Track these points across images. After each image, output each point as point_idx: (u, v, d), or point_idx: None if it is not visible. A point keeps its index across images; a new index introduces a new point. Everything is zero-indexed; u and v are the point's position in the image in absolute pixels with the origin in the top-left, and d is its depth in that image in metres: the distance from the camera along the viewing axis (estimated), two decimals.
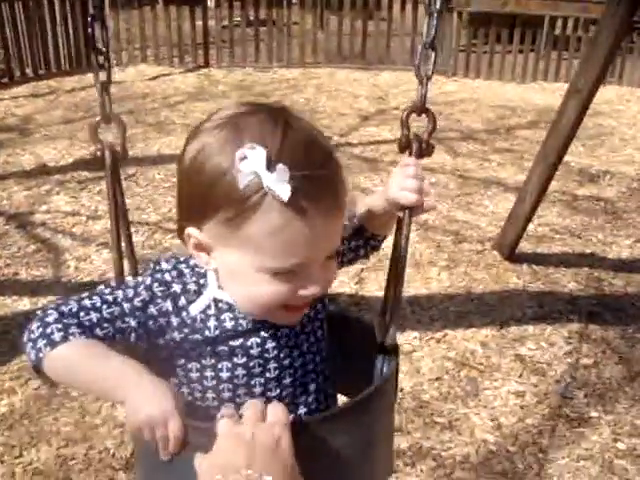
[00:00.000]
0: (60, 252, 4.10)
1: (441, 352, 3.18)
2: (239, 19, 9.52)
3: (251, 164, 0.91)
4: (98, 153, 1.32)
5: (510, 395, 2.89)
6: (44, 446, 2.64)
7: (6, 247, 4.16)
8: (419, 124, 1.25)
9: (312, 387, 1.15)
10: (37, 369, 1.03)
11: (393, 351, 1.18)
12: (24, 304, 3.59)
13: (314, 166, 0.94)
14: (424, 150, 1.24)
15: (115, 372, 0.97)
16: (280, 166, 0.90)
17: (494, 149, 5.94)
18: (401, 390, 2.92)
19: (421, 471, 2.52)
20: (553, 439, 2.67)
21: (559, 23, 8.85)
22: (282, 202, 0.90)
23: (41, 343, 1.01)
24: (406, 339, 3.27)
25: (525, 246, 4.10)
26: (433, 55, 1.30)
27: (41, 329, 1.02)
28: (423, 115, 1.27)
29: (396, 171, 1.21)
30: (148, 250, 4.10)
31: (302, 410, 1.14)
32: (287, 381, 1.10)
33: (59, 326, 1.01)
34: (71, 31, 8.99)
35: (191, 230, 1.01)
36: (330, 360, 1.20)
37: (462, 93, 8.04)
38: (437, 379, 3.00)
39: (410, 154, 1.24)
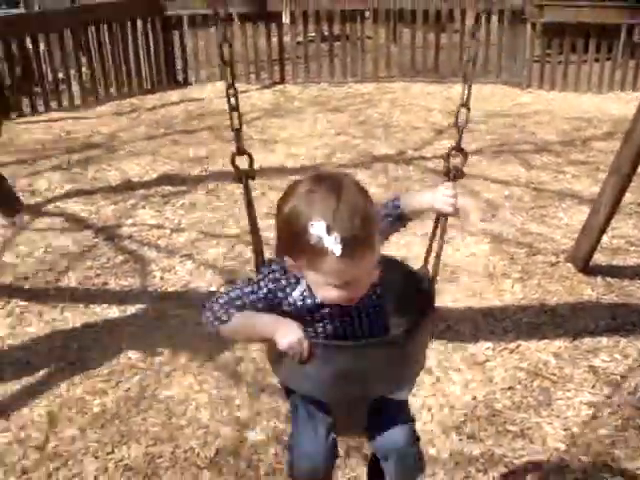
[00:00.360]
0: (146, 263, 4.32)
1: (514, 362, 3.23)
2: (313, 34, 9.71)
3: (317, 231, 1.50)
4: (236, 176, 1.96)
5: (583, 405, 2.93)
6: (134, 444, 2.83)
7: (96, 258, 4.41)
8: None
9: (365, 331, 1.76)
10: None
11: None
12: (113, 312, 3.82)
13: (356, 229, 1.50)
14: (458, 176, 1.87)
15: (268, 320, 1.67)
16: (335, 233, 1.48)
17: (569, 161, 5.92)
18: (474, 398, 3.00)
19: (493, 478, 2.59)
20: (626, 450, 2.70)
21: (637, 31, 8.72)
22: (336, 255, 1.49)
23: (215, 322, 1.70)
24: (479, 349, 3.34)
25: (599, 258, 4.10)
26: (466, 112, 1.93)
27: (212, 314, 1.71)
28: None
29: (440, 189, 1.81)
30: (230, 262, 4.28)
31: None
32: (348, 330, 1.74)
33: (223, 310, 1.70)
34: (152, 51, 9.36)
35: (287, 258, 1.61)
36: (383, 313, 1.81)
37: (536, 105, 8.00)
38: (510, 388, 3.06)
39: (449, 179, 1.86)
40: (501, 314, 3.64)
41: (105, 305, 3.87)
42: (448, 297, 3.80)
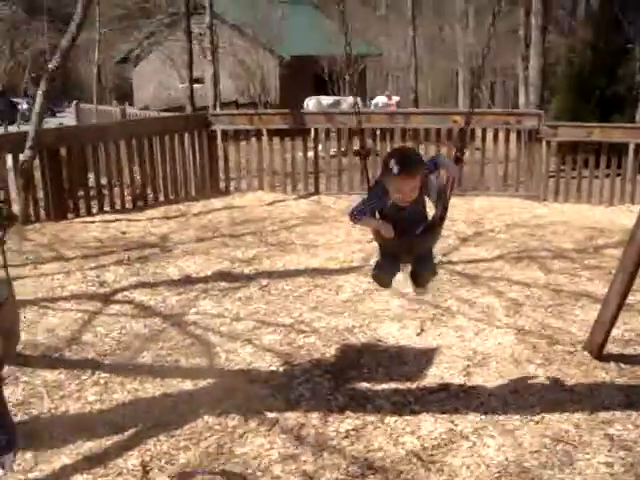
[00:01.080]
0: (211, 346, 4.91)
1: (539, 431, 3.74)
2: (343, 149, 10.58)
3: (390, 164, 3.21)
4: None
5: (600, 465, 3.42)
6: None
7: (166, 340, 5.01)
8: None
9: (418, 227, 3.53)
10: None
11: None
12: (187, 385, 4.38)
13: (406, 162, 3.23)
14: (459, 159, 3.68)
15: (375, 221, 3.49)
16: (396, 165, 3.18)
17: (583, 266, 6.53)
18: (506, 459, 3.51)
19: None
20: None
21: None
22: (395, 174, 3.19)
23: (352, 221, 3.50)
24: (509, 420, 3.86)
25: (613, 348, 4.65)
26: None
27: (351, 216, 3.46)
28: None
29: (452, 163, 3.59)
30: (285, 346, 4.86)
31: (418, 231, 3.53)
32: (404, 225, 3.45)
33: (356, 214, 3.45)
34: (198, 162, 10.24)
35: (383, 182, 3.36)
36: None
37: (552, 216, 8.68)
38: (536, 451, 3.56)
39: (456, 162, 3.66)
40: (526, 392, 4.17)
41: (179, 379, 4.44)
42: (480, 378, 4.34)
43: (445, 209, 3.52)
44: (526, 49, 23.68)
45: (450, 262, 6.72)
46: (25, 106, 40.28)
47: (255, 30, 30.16)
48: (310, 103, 17.66)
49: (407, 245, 3.58)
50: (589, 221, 8.41)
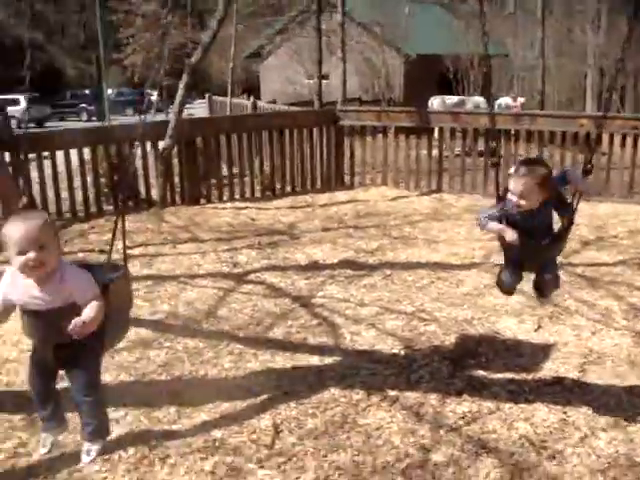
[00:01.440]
0: (337, 327, 5.25)
1: None
2: (467, 149, 10.72)
3: (516, 166, 3.55)
4: None
5: None
6: (342, 453, 3.64)
7: (295, 319, 5.39)
8: None
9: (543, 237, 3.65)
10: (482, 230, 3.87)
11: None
12: (314, 360, 4.73)
13: (528, 163, 3.56)
14: (588, 173, 3.70)
15: (501, 226, 3.62)
16: (517, 164, 3.58)
17: None
18: (616, 452, 3.65)
19: None
20: None
21: None
22: (515, 173, 3.47)
23: (480, 226, 3.75)
24: (621, 416, 3.98)
25: None
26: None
27: (479, 222, 3.73)
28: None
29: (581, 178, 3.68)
30: (407, 332, 5.13)
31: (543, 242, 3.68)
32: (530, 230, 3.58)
33: (483, 221, 3.69)
34: (325, 156, 10.64)
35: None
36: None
37: None
38: None
39: (585, 176, 3.71)
40: None
41: (307, 354, 4.80)
42: (594, 375, 4.47)
43: (571, 222, 3.65)
44: None
45: (570, 264, 6.78)
46: (155, 97, 42.36)
47: (382, 28, 30.47)
48: (435, 102, 17.80)
49: (531, 253, 3.70)
50: None
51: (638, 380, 4.43)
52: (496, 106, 19.46)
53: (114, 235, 3.20)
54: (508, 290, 4.06)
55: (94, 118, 40.05)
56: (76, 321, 2.67)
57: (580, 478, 3.45)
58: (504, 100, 19.92)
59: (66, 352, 2.84)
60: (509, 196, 3.49)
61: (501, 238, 3.71)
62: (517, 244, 3.52)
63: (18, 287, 2.75)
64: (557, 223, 3.74)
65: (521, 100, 19.33)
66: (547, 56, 30.37)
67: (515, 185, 3.43)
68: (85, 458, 3.13)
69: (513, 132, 10.43)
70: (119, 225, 3.27)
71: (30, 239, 2.61)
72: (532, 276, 3.97)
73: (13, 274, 2.77)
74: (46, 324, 2.76)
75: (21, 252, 2.63)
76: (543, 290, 3.98)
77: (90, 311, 2.71)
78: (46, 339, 2.84)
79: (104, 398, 3.15)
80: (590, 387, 4.34)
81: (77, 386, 2.96)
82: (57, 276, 2.72)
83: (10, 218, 2.71)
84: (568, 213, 3.64)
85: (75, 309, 2.72)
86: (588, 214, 8.88)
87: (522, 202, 3.44)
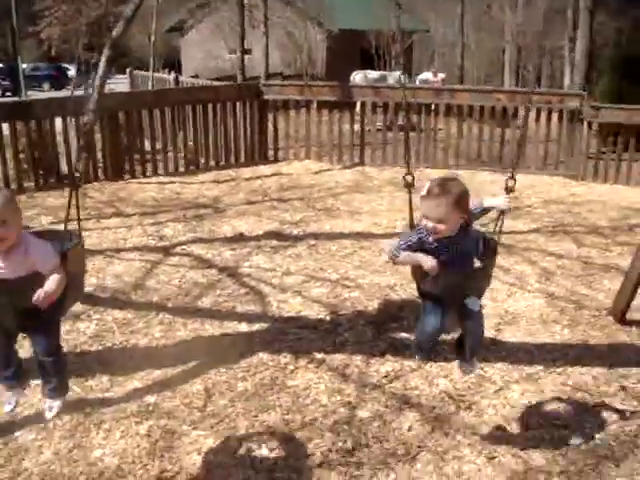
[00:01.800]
0: (264, 296, 5.38)
1: (561, 380, 4.14)
2: (388, 124, 10.95)
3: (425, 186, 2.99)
4: None
5: (613, 413, 3.82)
6: (272, 412, 3.79)
7: (223, 289, 5.50)
8: None
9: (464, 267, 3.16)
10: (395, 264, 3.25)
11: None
12: (243, 327, 4.86)
13: (438, 183, 2.95)
14: (510, 190, 3.26)
15: (418, 256, 3.04)
16: (427, 184, 2.96)
17: (615, 242, 6.84)
18: (528, 402, 3.91)
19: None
20: None
21: None
22: (422, 194, 2.96)
23: (392, 257, 3.13)
24: (533, 371, 4.26)
25: (636, 315, 5.00)
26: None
27: (389, 253, 3.15)
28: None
29: (501, 197, 3.23)
30: (332, 299, 5.31)
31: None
32: (449, 260, 3.05)
33: (395, 251, 3.10)
34: (249, 130, 10.70)
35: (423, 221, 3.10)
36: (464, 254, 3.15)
37: (590, 195, 8.96)
38: (557, 398, 3.97)
39: (507, 193, 3.25)
40: (552, 348, 4.56)
41: (236, 322, 4.92)
42: (509, 334, 4.74)
43: (495, 250, 3.28)
44: (574, 30, 23.64)
45: (487, 232, 7.07)
46: (73, 72, 41.28)
47: (304, 3, 30.47)
48: (357, 77, 17.92)
49: (453, 284, 3.14)
50: (626, 201, 8.66)
51: (549, 337, 4.73)
52: (417, 81, 19.78)
53: (69, 206, 3.27)
54: (426, 347, 3.48)
55: (9, 93, 38.76)
56: (39, 293, 2.79)
57: (496, 427, 3.69)
58: (425, 75, 20.23)
59: (29, 317, 2.91)
60: (423, 222, 3.00)
61: (416, 271, 3.22)
62: (436, 271, 3.01)
63: None
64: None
65: (441, 75, 19.61)
66: (466, 33, 30.98)
67: (429, 208, 2.96)
68: (48, 414, 3.24)
69: (433, 107, 10.71)
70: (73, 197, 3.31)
71: None
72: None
73: None
74: (9, 292, 2.85)
75: None
76: (467, 351, 3.42)
77: (52, 283, 2.83)
78: (9, 305, 2.91)
79: (64, 358, 3.26)
80: (505, 345, 4.61)
81: (40, 348, 3.06)
82: (21, 248, 2.82)
83: None
84: (491, 242, 3.28)
85: (38, 277, 2.84)
86: (504, 184, 9.24)
87: (440, 227, 2.96)
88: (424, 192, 2.96)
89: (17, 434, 3.62)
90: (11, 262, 2.82)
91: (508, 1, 35.65)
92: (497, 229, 3.32)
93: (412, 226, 3.22)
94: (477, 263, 3.27)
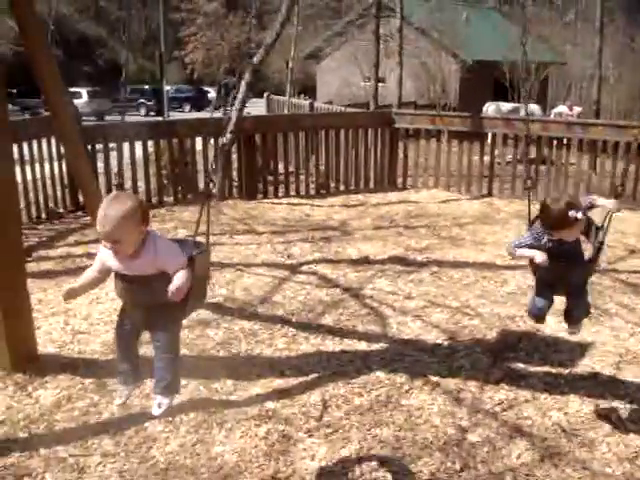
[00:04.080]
0: (384, 317, 5.54)
1: None
2: (519, 157, 10.89)
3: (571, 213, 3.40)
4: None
5: None
6: (385, 428, 3.94)
7: (345, 308, 5.70)
8: None
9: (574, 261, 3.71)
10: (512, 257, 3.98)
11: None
12: (362, 346, 5.03)
13: (555, 207, 3.41)
14: (619, 195, 3.80)
15: (532, 251, 3.60)
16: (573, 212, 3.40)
17: None
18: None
19: None
20: None
21: None
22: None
23: (510, 253, 3.76)
24: None
25: None
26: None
27: (509, 249, 3.76)
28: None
29: (612, 200, 3.63)
30: (451, 325, 5.40)
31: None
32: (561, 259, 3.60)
33: (513, 247, 3.70)
34: (379, 157, 10.94)
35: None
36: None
37: None
38: None
39: (615, 197, 3.71)
40: None
41: (356, 340, 5.11)
42: (629, 374, 4.67)
43: (602, 243, 3.70)
44: None
45: (615, 270, 6.95)
46: (213, 94, 43.21)
47: (439, 33, 30.61)
48: (490, 108, 17.92)
49: (561, 274, 3.71)
50: None
51: None
52: (552, 114, 19.47)
53: (199, 218, 3.49)
54: (539, 316, 4.02)
55: (152, 113, 41.01)
56: (171, 288, 2.98)
57: (608, 464, 3.68)
58: (561, 108, 19.87)
59: (153, 314, 3.15)
60: (545, 228, 3.56)
61: (532, 264, 3.77)
62: (547, 265, 3.53)
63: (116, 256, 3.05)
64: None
65: (578, 109, 19.24)
66: (606, 65, 30.13)
67: (563, 232, 3.48)
68: (156, 410, 3.38)
69: (565, 140, 10.57)
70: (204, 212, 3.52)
71: (105, 236, 2.93)
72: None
73: None
74: (139, 289, 3.10)
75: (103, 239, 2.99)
76: (572, 318, 4.01)
77: (181, 277, 3.02)
78: (138, 302, 3.17)
79: (180, 359, 3.47)
80: (624, 384, 4.55)
81: (159, 344, 3.25)
82: (151, 249, 3.02)
83: (104, 200, 2.98)
84: (598, 237, 3.71)
85: (166, 276, 3.03)
86: (635, 222, 9.02)
87: (564, 237, 3.52)
88: (549, 200, 3.46)
89: (147, 424, 3.94)
90: (142, 262, 3.03)
91: None
92: (605, 227, 3.72)
93: (531, 223, 3.77)
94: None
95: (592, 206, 3.58)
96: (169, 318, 3.22)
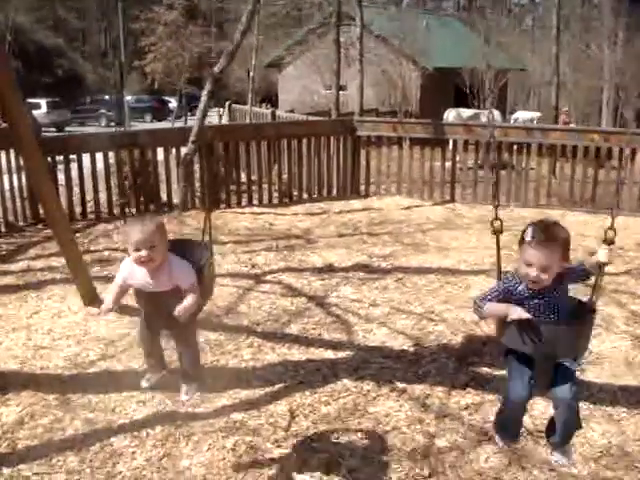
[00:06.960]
0: (350, 325, 5.55)
1: None
2: (480, 162, 11.00)
3: (528, 230, 2.89)
4: None
5: None
6: (352, 436, 3.94)
7: (310, 317, 5.69)
8: None
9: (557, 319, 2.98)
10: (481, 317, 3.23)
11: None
12: (328, 354, 5.03)
13: (545, 230, 2.85)
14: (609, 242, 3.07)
15: (504, 306, 2.95)
16: (531, 229, 2.85)
17: None
18: (609, 443, 3.92)
19: None
20: None
21: None
22: (527, 241, 2.86)
23: (478, 310, 3.06)
24: (616, 412, 4.25)
25: None
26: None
27: (475, 306, 3.08)
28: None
29: (601, 251, 3.03)
30: (416, 331, 5.42)
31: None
32: (543, 314, 2.96)
33: (480, 303, 3.04)
34: (341, 165, 10.96)
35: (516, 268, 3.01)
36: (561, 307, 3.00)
37: None
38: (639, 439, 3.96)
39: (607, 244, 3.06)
40: (636, 391, 4.53)
41: (322, 349, 5.10)
42: (592, 375, 4.74)
43: (592, 308, 3.16)
44: None
45: (587, 285, 7.03)
46: (174, 104, 42.98)
47: (400, 41, 30.85)
48: (450, 115, 18.08)
49: (542, 342, 2.89)
50: None
51: (634, 380, 4.70)
52: (512, 120, 19.73)
53: (205, 225, 3.99)
54: (515, 419, 3.30)
55: (113, 124, 40.63)
56: (179, 309, 3.56)
57: (574, 464, 3.72)
58: (521, 114, 20.15)
59: (172, 319, 3.62)
60: (523, 270, 2.88)
61: (500, 327, 3.08)
62: (527, 323, 2.86)
63: (136, 274, 3.61)
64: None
65: (537, 114, 19.52)
66: (564, 72, 30.60)
67: (534, 255, 2.83)
68: (184, 397, 4.03)
69: (525, 146, 10.71)
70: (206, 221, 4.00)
71: (144, 241, 3.42)
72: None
73: (132, 264, 3.58)
74: (157, 301, 3.68)
75: (136, 249, 3.45)
76: (560, 437, 3.23)
77: (189, 300, 3.59)
78: (156, 312, 3.77)
79: (199, 351, 4.20)
80: (588, 385, 4.60)
81: (179, 341, 3.97)
82: (166, 268, 3.57)
83: (131, 219, 3.71)
84: (587, 304, 3.18)
85: (179, 291, 3.61)
86: (596, 227, 9.12)
87: (544, 276, 2.85)
88: (528, 237, 2.82)
89: (112, 439, 3.89)
90: (159, 279, 3.58)
91: (607, 40, 35.09)
92: (597, 283, 3.11)
93: (500, 275, 3.15)
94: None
95: (585, 270, 3.07)
96: (185, 320, 3.68)
